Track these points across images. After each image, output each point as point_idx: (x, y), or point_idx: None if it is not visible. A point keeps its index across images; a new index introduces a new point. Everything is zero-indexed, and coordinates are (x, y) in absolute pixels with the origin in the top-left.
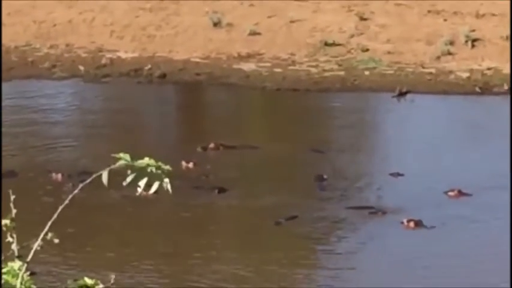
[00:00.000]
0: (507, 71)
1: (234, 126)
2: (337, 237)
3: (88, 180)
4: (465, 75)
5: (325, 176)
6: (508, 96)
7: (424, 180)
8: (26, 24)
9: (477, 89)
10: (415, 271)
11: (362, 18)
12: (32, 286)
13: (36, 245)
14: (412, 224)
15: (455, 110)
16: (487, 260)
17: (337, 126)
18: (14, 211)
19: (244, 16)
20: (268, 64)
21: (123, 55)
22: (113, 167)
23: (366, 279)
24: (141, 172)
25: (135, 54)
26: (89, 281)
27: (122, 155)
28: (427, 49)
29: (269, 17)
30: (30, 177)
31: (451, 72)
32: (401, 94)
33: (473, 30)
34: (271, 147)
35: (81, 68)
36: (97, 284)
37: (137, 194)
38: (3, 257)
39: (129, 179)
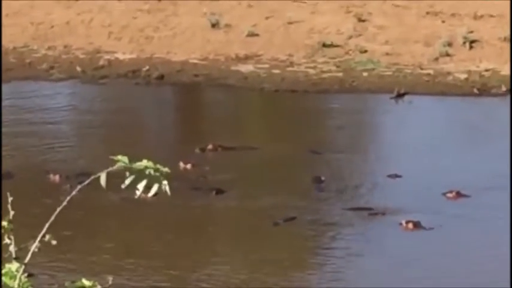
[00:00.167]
0: (505, 72)
1: (232, 128)
2: (336, 239)
3: (86, 182)
4: (463, 76)
5: (323, 178)
6: (506, 98)
7: (422, 182)
8: (24, 25)
9: (475, 91)
10: (414, 272)
11: (360, 20)
12: None
13: (33, 247)
14: (410, 225)
15: (453, 111)
16: (486, 261)
17: (336, 128)
18: (11, 213)
19: (242, 17)
20: (266, 65)
21: (121, 56)
22: (111, 169)
23: (365, 280)
24: (139, 174)
25: (133, 56)
26: (86, 283)
27: (119, 157)
28: (425, 50)
29: (267, 18)
30: (27, 178)
31: (449, 73)
32: (400, 95)
33: (471, 32)
34: (269, 149)
35: (79, 69)
36: (95, 286)
37: (136, 197)
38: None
39: (127, 181)
